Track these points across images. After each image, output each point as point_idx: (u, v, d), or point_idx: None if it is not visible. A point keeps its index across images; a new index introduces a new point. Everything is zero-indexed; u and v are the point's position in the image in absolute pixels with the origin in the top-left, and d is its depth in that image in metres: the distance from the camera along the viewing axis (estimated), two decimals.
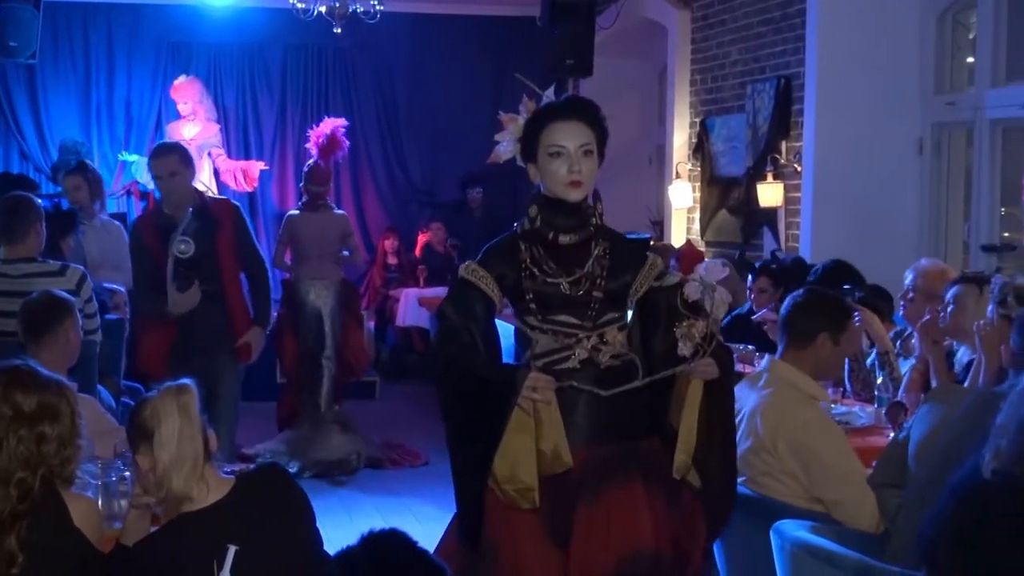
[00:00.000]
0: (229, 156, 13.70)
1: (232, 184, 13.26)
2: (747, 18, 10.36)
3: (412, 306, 12.84)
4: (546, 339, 4.05)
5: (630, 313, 4.17)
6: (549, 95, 4.24)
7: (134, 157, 13.19)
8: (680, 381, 3.96)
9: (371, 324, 13.58)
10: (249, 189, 13.41)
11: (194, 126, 13.35)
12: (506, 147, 4.28)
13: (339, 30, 11.84)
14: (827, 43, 8.96)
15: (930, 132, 8.84)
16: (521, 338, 4.14)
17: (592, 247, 4.08)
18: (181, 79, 13.43)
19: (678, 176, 11.57)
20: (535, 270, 4.06)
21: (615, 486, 3.92)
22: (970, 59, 8.67)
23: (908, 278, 6.40)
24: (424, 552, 3.28)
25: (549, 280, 4.04)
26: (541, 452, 3.84)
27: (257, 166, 13.56)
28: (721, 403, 4.01)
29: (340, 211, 10.22)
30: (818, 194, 9.09)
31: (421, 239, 13.96)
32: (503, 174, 14.69)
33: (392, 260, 14.01)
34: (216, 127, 13.58)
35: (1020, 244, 7.44)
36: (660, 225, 12.38)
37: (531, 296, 4.06)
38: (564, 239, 4.06)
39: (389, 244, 14.04)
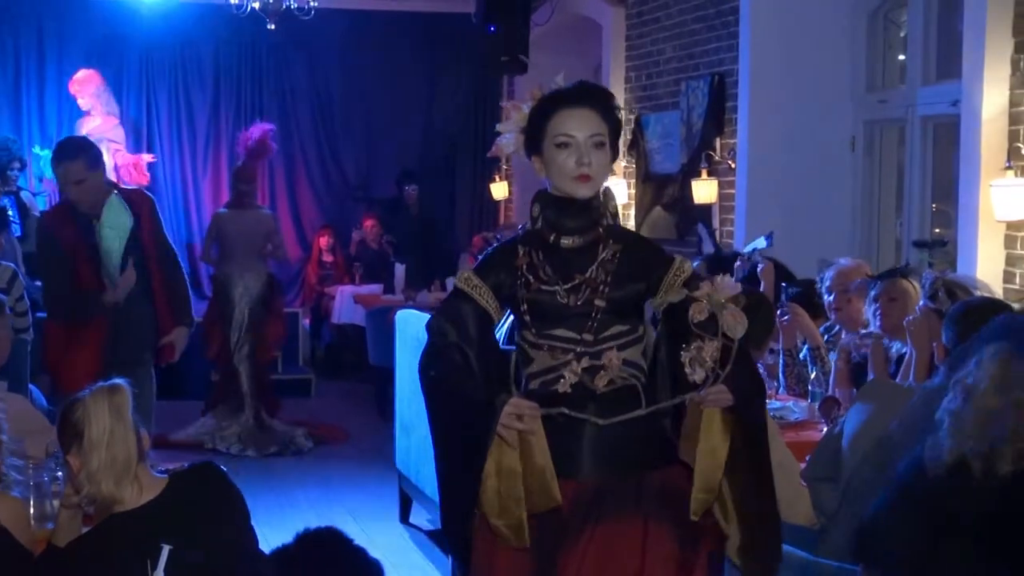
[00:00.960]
0: (132, 152, 13.55)
1: (128, 178, 13.13)
2: (681, 15, 10.39)
3: (347, 303, 12.79)
4: (542, 356, 3.61)
5: (649, 327, 3.72)
6: (558, 81, 3.80)
7: (46, 152, 13.04)
8: (691, 411, 3.50)
9: (306, 322, 13.53)
10: (144, 183, 13.25)
11: (92, 120, 13.21)
12: (509, 139, 3.80)
13: (273, 26, 11.79)
14: (760, 41, 9.01)
15: (862, 129, 8.91)
16: (521, 358, 3.70)
17: (599, 250, 3.62)
18: (80, 73, 13.22)
19: (614, 173, 11.59)
20: (530, 277, 3.62)
21: (609, 523, 3.52)
22: (901, 57, 8.75)
23: (828, 277, 6.53)
24: (359, 549, 3.29)
25: (544, 288, 3.60)
26: (528, 487, 3.46)
27: (145, 159, 13.49)
28: (745, 434, 3.52)
29: (266, 210, 10.80)
30: (752, 191, 9.14)
31: (355, 236, 13.91)
32: (439, 171, 14.78)
33: (327, 257, 13.96)
34: (114, 121, 13.37)
35: (951, 240, 7.52)
36: None
37: (525, 307, 3.61)
38: (566, 241, 3.62)
39: (324, 241, 13.98)
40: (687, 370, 3.38)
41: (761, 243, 7.68)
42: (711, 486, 3.48)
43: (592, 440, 3.54)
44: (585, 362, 3.51)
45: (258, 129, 10.70)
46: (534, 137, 3.68)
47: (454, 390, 3.55)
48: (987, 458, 3.35)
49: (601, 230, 3.63)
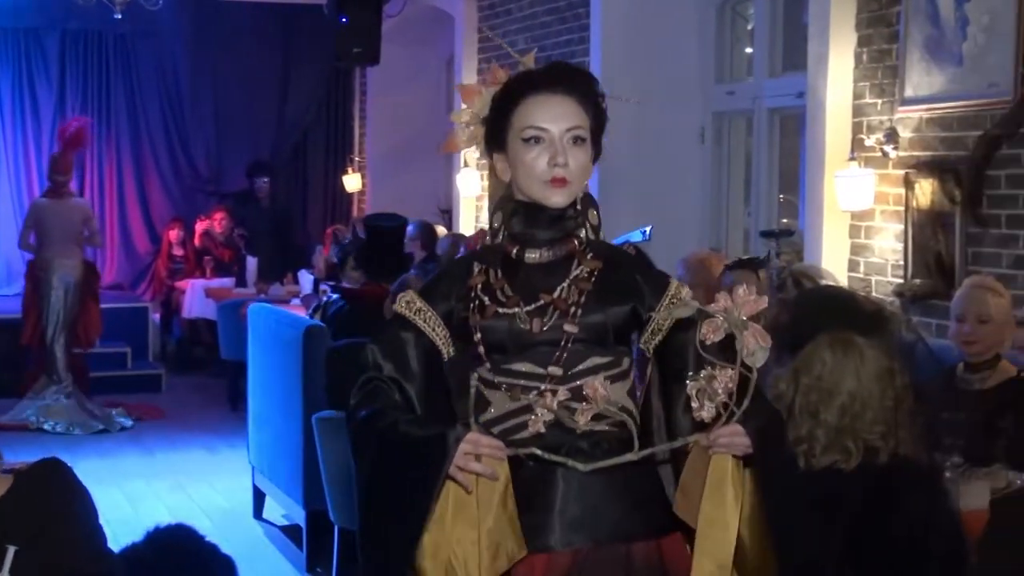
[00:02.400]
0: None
1: None
2: (533, 7, 10.44)
3: (199, 297, 12.64)
4: (500, 399, 2.87)
5: (635, 362, 2.99)
6: (527, 61, 3.17)
7: None
8: (694, 458, 2.78)
9: (156, 316, 13.35)
10: None
11: None
12: (466, 131, 3.09)
13: (120, 16, 11.58)
14: (611, 33, 9.08)
15: (711, 121, 9.03)
16: (476, 403, 2.94)
17: (572, 267, 2.93)
18: None
19: (466, 165, 11.61)
20: (485, 299, 2.91)
21: None
22: (749, 50, 8.89)
23: (678, 271, 6.60)
24: (211, 545, 3.25)
25: (501, 312, 2.89)
26: (483, 546, 2.72)
27: None
28: (763, 487, 2.78)
29: (81, 199, 11.63)
30: (603, 182, 9.20)
31: (199, 227, 13.73)
32: (292, 163, 14.67)
33: (178, 251, 13.77)
34: None
35: (797, 230, 7.66)
36: (449, 214, 12.42)
37: (479, 336, 2.89)
38: (532, 255, 2.93)
39: (174, 234, 13.78)
40: (694, 405, 2.67)
41: (636, 236, 7.71)
42: (721, 560, 2.73)
43: (568, 495, 2.81)
44: (556, 397, 2.80)
45: (76, 121, 11.19)
46: (496, 129, 2.97)
47: (389, 427, 2.82)
48: (812, 450, 3.37)
49: (576, 242, 2.94)
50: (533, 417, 2.79)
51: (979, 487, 3.92)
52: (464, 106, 3.08)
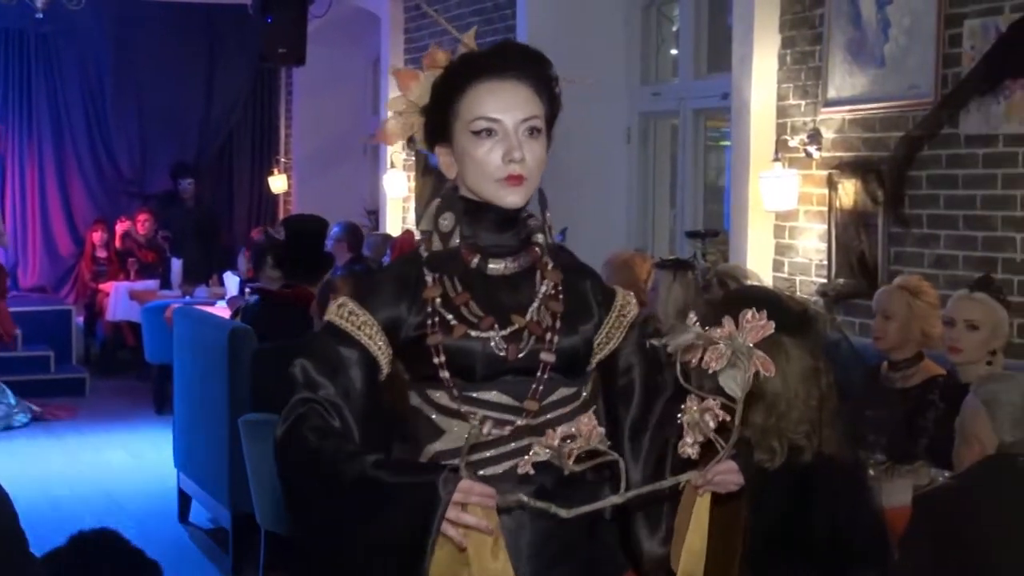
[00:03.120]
0: None
1: None
2: (459, 8, 10.43)
3: (122, 300, 12.52)
4: (458, 429, 2.54)
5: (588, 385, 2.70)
6: (467, 40, 2.74)
7: None
8: (685, 502, 2.56)
9: (80, 319, 13.22)
10: None
11: None
12: (399, 121, 2.72)
13: (41, 15, 11.45)
14: (537, 34, 9.08)
15: (637, 121, 9.06)
16: (418, 427, 2.61)
17: (537, 281, 2.62)
18: None
19: (393, 166, 11.59)
20: (449, 316, 2.56)
21: None
22: (674, 51, 8.94)
23: (603, 271, 6.60)
24: (137, 550, 3.22)
25: (474, 334, 2.55)
26: None
27: None
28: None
29: None
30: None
31: (119, 228, 13.60)
32: (217, 164, 14.57)
33: (101, 253, 13.63)
34: None
35: (723, 230, 7.71)
36: (375, 215, 12.39)
37: (443, 359, 2.54)
38: (496, 267, 2.60)
39: (98, 237, 13.64)
40: (687, 439, 2.38)
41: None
42: None
43: (540, 540, 2.54)
44: (557, 434, 2.40)
45: None
46: (439, 120, 2.63)
47: (351, 467, 2.43)
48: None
49: (538, 250, 2.63)
50: (527, 456, 2.40)
51: (902, 484, 3.96)
52: (399, 93, 2.72)
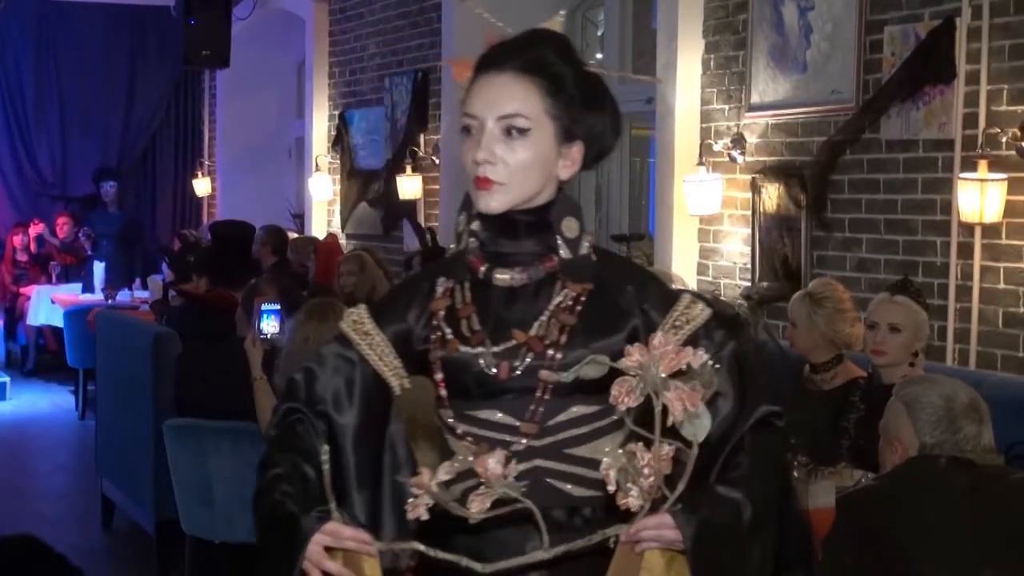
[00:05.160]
0: None
1: None
2: (384, 11, 10.43)
3: (44, 304, 12.39)
4: (463, 451, 2.31)
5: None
6: (499, 26, 2.59)
7: None
8: (619, 557, 2.23)
9: (1, 323, 13.07)
10: None
11: None
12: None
13: None
14: (462, 37, 9.10)
15: None
16: (444, 451, 2.41)
17: (554, 291, 2.36)
18: None
19: (318, 169, 11.56)
20: (447, 330, 2.37)
21: None
22: (599, 55, 8.97)
23: None
24: (60, 556, 3.19)
25: (463, 350, 2.34)
26: None
27: None
28: None
29: None
30: (455, 186, 9.23)
31: (32, 231, 13.45)
32: (140, 166, 14.45)
33: (22, 256, 13.48)
34: None
35: (647, 234, 7.75)
36: (301, 218, 12.35)
37: (441, 375, 2.36)
38: (502, 277, 2.35)
39: (18, 240, 13.49)
40: (610, 488, 2.11)
41: None
42: None
43: None
44: (517, 467, 2.15)
45: None
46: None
47: (267, 495, 2.32)
48: None
49: (556, 259, 2.36)
50: (411, 500, 2.15)
51: (825, 486, 3.99)
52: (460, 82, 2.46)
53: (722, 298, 6.33)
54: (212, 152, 14.42)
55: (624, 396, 2.08)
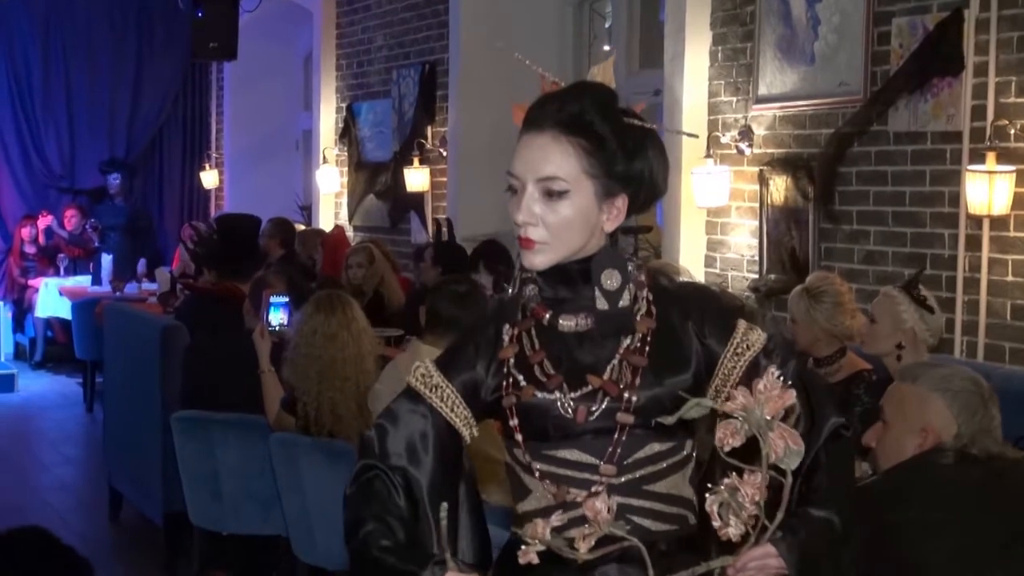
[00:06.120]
0: None
1: None
2: (392, 4, 10.42)
3: (52, 296, 12.41)
4: (541, 490, 2.39)
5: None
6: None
7: None
8: None
9: (9, 315, 13.09)
10: None
11: None
12: None
13: None
14: (469, 29, 9.10)
15: None
16: (513, 486, 2.48)
17: (622, 334, 2.40)
18: None
19: (325, 161, 11.56)
20: (520, 377, 2.41)
21: None
22: (606, 47, 8.97)
23: None
24: (68, 547, 3.19)
25: (540, 396, 2.38)
26: None
27: None
28: None
29: None
30: (463, 178, 9.24)
31: (40, 223, 13.47)
32: (148, 159, 14.46)
33: (30, 249, 13.51)
34: None
35: (655, 226, 7.74)
36: (308, 210, 12.34)
37: (516, 421, 2.40)
38: (567, 324, 2.38)
39: (26, 232, 13.52)
40: (715, 523, 2.17)
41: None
42: None
43: None
44: (616, 498, 2.27)
45: None
46: None
47: (369, 552, 2.35)
48: None
49: (628, 305, 2.40)
50: (522, 548, 2.20)
51: None
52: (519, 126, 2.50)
53: (729, 290, 6.33)
54: (219, 144, 14.43)
55: (729, 437, 2.15)
